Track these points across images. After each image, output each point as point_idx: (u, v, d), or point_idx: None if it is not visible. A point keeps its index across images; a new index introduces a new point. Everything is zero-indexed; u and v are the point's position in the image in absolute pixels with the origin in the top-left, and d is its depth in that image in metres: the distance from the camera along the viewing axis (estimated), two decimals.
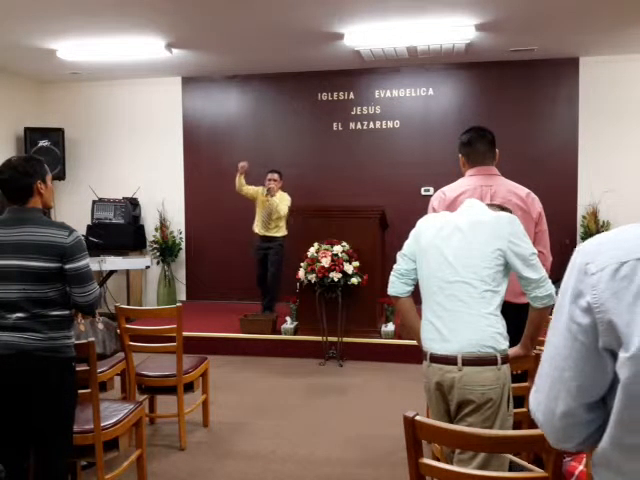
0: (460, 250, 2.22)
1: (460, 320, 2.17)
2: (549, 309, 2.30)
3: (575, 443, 1.05)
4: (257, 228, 6.57)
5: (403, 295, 2.41)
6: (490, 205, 2.46)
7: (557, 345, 1.03)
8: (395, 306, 2.53)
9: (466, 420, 2.16)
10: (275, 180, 6.44)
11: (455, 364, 2.14)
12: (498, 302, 2.21)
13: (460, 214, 2.33)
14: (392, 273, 2.43)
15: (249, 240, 6.75)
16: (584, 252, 1.00)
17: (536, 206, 2.88)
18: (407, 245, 2.40)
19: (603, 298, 0.94)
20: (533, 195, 2.90)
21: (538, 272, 2.21)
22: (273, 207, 6.36)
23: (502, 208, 2.47)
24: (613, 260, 0.95)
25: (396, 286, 2.41)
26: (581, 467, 1.74)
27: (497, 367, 2.15)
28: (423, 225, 2.38)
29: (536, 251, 2.26)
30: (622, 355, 0.92)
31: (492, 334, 2.16)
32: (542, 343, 3.18)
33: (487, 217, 2.28)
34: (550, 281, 2.26)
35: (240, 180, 6.43)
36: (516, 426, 2.27)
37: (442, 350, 2.18)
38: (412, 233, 2.41)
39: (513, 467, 2.17)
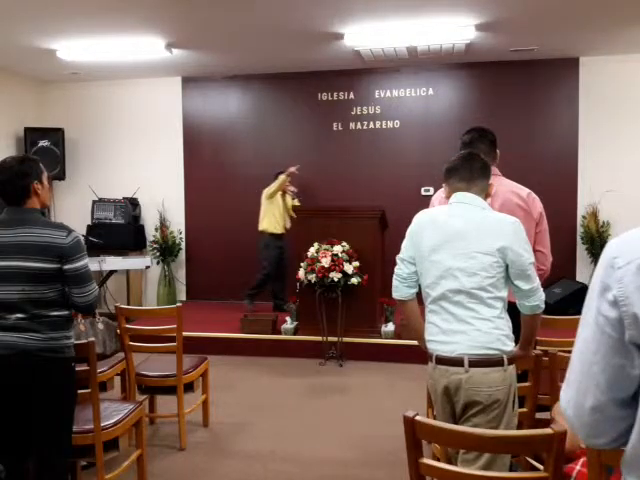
0: (460, 260, 2.20)
1: (466, 323, 2.17)
2: (540, 315, 2.31)
3: (607, 440, 1.04)
4: (275, 228, 6.70)
5: (408, 298, 2.41)
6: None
7: (586, 339, 1.02)
8: (401, 309, 2.52)
9: (471, 420, 2.16)
10: None
11: (462, 365, 2.15)
12: (502, 305, 2.22)
13: (458, 215, 2.28)
14: (394, 277, 2.42)
15: (256, 240, 6.81)
16: (613, 246, 1.01)
17: (537, 206, 2.88)
18: (405, 248, 2.38)
19: (628, 291, 0.94)
20: (534, 195, 2.90)
21: (530, 283, 2.21)
22: (290, 207, 6.70)
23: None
24: (639, 254, 0.95)
25: (400, 290, 2.40)
26: (578, 467, 1.74)
27: (503, 368, 2.16)
28: (419, 228, 2.34)
29: (533, 261, 2.25)
30: None
31: (498, 336, 2.17)
32: (542, 343, 3.18)
33: (488, 219, 2.24)
34: (541, 290, 2.26)
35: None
36: (517, 426, 2.28)
37: (448, 352, 2.18)
38: (408, 234, 2.38)
39: (513, 467, 2.17)
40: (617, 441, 1.02)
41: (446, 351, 2.19)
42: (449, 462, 2.31)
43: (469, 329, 2.16)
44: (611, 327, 0.97)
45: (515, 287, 2.22)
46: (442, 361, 2.20)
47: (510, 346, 2.20)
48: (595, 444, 1.07)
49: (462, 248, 2.21)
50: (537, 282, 2.24)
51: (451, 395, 2.20)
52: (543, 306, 2.27)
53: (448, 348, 2.18)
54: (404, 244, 2.39)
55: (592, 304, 1.02)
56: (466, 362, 2.14)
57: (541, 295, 2.25)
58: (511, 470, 2.20)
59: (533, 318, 2.30)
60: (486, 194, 2.36)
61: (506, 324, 2.21)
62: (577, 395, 1.04)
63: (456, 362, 2.16)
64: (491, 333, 2.15)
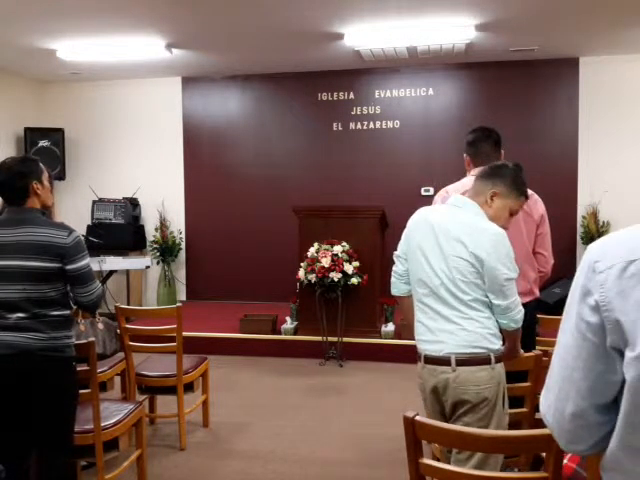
0: (440, 261, 2.22)
1: (452, 322, 2.19)
2: (519, 330, 2.30)
3: (586, 446, 1.02)
4: None
5: (405, 294, 2.44)
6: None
7: (566, 344, 1.01)
8: (399, 304, 2.56)
9: (462, 420, 2.18)
10: None
11: (449, 365, 2.16)
12: (486, 306, 2.21)
13: (449, 216, 2.29)
14: (392, 274, 2.47)
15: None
16: (594, 250, 0.99)
17: (538, 208, 2.87)
18: (400, 245, 2.43)
19: (610, 296, 0.93)
20: (536, 197, 2.89)
21: (502, 299, 2.17)
22: None
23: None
24: (621, 258, 0.93)
25: (397, 286, 2.45)
26: (565, 461, 1.76)
27: (491, 366, 2.17)
28: (412, 226, 2.38)
29: (514, 277, 2.20)
30: (628, 354, 0.91)
31: (485, 335, 2.17)
32: (542, 343, 3.18)
33: (473, 226, 2.22)
34: (516, 310, 2.22)
35: None
36: (516, 426, 2.28)
37: (436, 351, 2.20)
38: (404, 233, 2.42)
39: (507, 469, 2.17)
40: (597, 447, 1.01)
41: (433, 350, 2.21)
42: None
43: (455, 328, 2.17)
44: (592, 332, 0.95)
45: (490, 302, 2.20)
46: (430, 360, 2.22)
47: (497, 344, 2.20)
48: (575, 450, 1.06)
49: (443, 249, 2.22)
50: (511, 300, 2.19)
51: (440, 394, 2.22)
52: (515, 326, 2.24)
53: (435, 347, 2.20)
54: (401, 241, 2.44)
55: (572, 309, 1.00)
56: (453, 361, 2.15)
57: (515, 315, 2.21)
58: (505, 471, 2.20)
59: (511, 332, 2.30)
60: (485, 199, 2.29)
61: (493, 323, 2.21)
62: (557, 401, 1.03)
63: (443, 361, 2.17)
64: (478, 332, 2.17)
